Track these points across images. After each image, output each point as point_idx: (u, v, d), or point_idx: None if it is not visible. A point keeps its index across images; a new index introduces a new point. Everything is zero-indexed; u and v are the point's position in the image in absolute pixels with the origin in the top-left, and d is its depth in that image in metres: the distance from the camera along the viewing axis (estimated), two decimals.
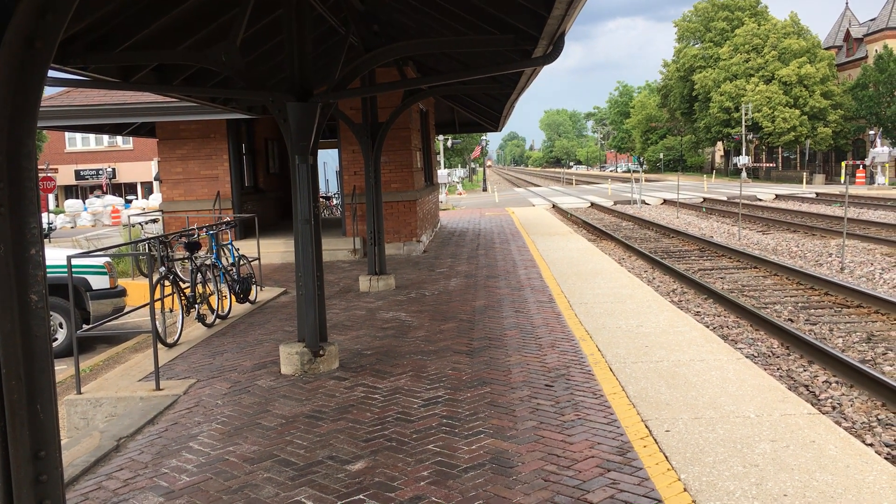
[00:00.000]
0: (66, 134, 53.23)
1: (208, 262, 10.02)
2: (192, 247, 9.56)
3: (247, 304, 11.03)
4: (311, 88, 7.38)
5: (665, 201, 39.21)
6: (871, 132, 55.73)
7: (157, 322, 7.39)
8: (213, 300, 9.86)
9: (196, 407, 6.37)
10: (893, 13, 61.29)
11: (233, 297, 10.65)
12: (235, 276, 10.81)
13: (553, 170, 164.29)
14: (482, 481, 4.56)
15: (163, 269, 8.69)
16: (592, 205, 39.08)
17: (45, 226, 29.27)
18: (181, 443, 5.51)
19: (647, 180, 68.03)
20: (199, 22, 8.27)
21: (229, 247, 11.32)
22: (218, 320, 9.92)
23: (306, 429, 5.66)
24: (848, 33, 68.71)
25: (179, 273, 10.40)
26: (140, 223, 19.31)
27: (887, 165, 48.53)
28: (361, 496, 4.44)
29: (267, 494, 4.51)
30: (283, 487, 4.60)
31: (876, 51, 59.62)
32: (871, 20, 65.86)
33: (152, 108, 15.13)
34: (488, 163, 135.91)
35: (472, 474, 4.68)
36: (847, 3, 72.54)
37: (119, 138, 52.01)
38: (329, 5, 9.73)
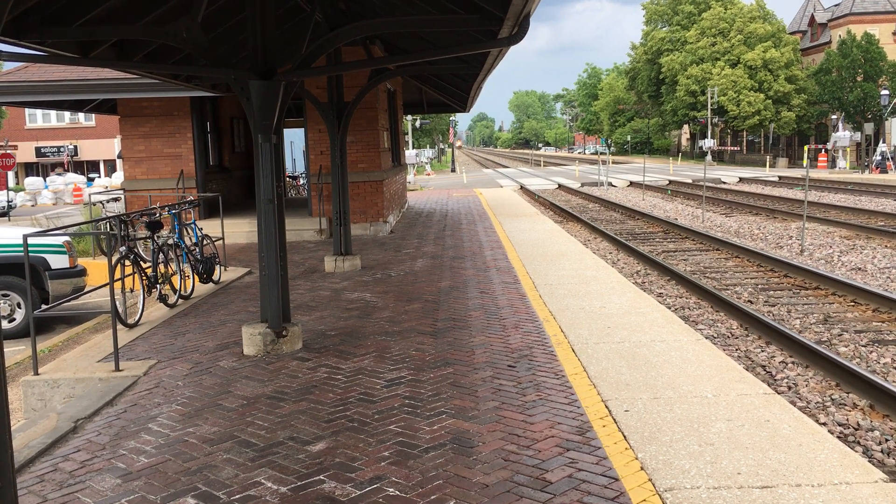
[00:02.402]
0: (27, 110, 52.08)
1: (170, 241, 9.89)
2: (154, 226, 9.43)
3: (210, 285, 10.93)
4: (275, 66, 7.28)
5: (631, 183, 39.50)
6: (834, 117, 56.54)
7: (117, 302, 7.29)
8: (176, 280, 9.75)
9: (156, 388, 6.31)
10: None
11: (196, 278, 10.54)
12: (198, 256, 10.69)
13: (522, 151, 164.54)
14: (443, 461, 4.59)
15: (123, 248, 8.56)
16: (560, 186, 39.25)
17: (4, 204, 28.69)
18: (140, 424, 5.47)
19: (614, 162, 68.49)
20: None
21: (192, 226, 11.19)
22: (180, 301, 9.82)
23: (268, 410, 5.64)
24: (812, 18, 69.50)
25: (141, 252, 10.27)
26: (101, 202, 18.99)
27: (848, 150, 49.38)
28: (321, 476, 4.44)
29: (226, 475, 4.50)
30: (242, 468, 4.59)
31: (840, 36, 60.40)
32: (836, 5, 66.66)
33: (114, 85, 14.84)
34: (457, 143, 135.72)
35: (432, 454, 4.70)
36: None
37: (81, 115, 51.03)
38: None
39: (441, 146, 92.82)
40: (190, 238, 10.95)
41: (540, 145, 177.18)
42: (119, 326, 7.40)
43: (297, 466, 4.59)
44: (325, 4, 10.42)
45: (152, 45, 9.18)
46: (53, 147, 54.65)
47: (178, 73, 11.15)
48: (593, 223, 21.09)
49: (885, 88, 48.89)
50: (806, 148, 22.93)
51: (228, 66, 7.40)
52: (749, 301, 11.05)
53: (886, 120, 47.20)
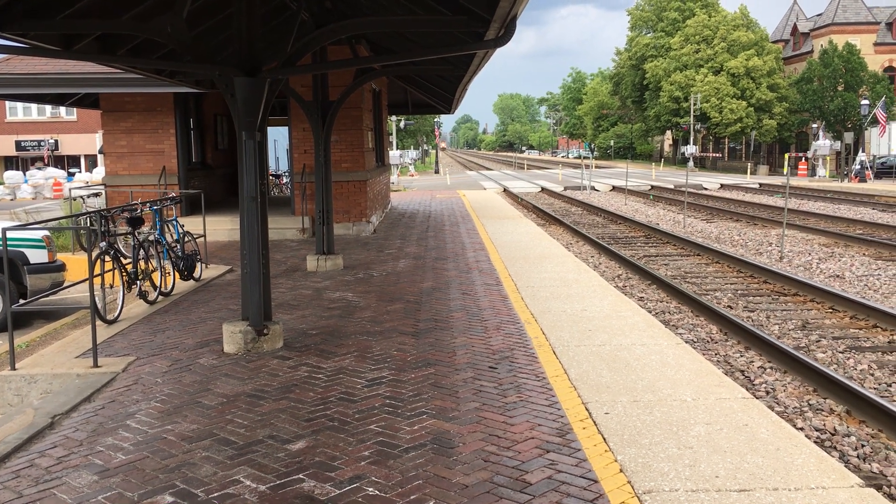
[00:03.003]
0: (7, 103, 51.48)
1: (151, 237, 9.82)
2: (135, 222, 9.35)
3: (191, 282, 10.86)
4: (260, 63, 7.26)
5: (614, 188, 39.68)
6: (815, 125, 57.08)
7: (96, 298, 7.23)
8: (156, 277, 9.68)
9: (135, 385, 6.26)
10: (839, 9, 62.75)
11: (176, 274, 10.47)
12: (179, 253, 10.62)
13: (505, 154, 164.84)
14: (423, 461, 4.59)
15: (103, 244, 8.48)
16: (543, 190, 39.36)
17: None
18: (118, 421, 5.42)
19: (597, 167, 68.76)
20: None
21: (174, 223, 11.11)
22: (160, 297, 9.75)
23: (247, 408, 5.61)
24: (795, 27, 70.14)
25: (122, 248, 10.18)
26: (82, 197, 18.83)
27: (828, 158, 49.87)
28: (301, 475, 4.42)
29: (205, 473, 4.47)
30: (221, 466, 4.56)
31: (821, 46, 60.99)
32: (818, 15, 67.34)
33: (96, 79, 14.72)
34: (441, 145, 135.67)
35: (413, 454, 4.70)
36: None
37: (62, 109, 50.51)
38: None
39: (425, 147, 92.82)
40: (171, 235, 10.88)
41: (524, 148, 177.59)
42: (98, 322, 7.34)
43: (277, 465, 4.57)
44: (312, 3, 10.40)
45: (136, 39, 9.12)
46: (34, 141, 54.03)
47: (161, 68, 11.09)
48: (576, 227, 21.16)
49: (865, 98, 49.43)
50: (787, 156, 23.20)
51: (213, 63, 7.36)
52: (729, 306, 11.13)
53: (866, 129, 47.72)
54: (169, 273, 10.20)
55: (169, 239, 10.60)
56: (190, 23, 7.66)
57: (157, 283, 9.67)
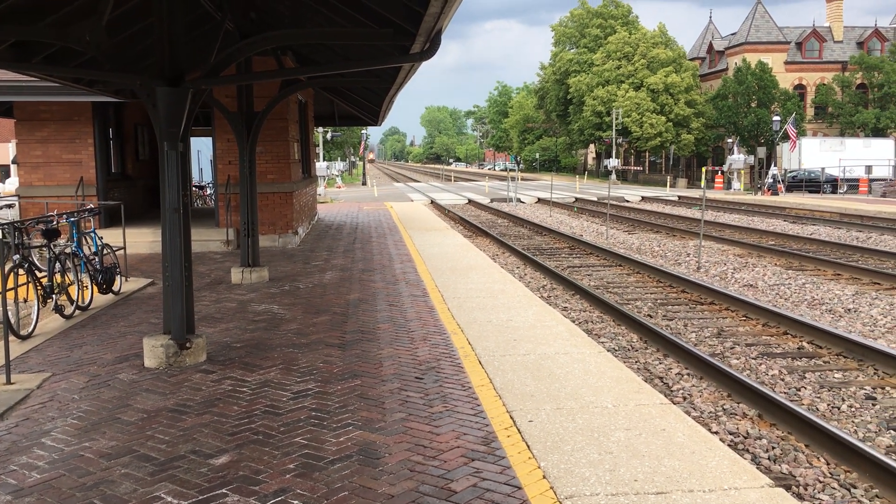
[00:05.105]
0: None
1: (68, 250, 9.54)
2: (51, 234, 9.07)
3: (110, 295, 10.57)
4: (183, 73, 7.16)
5: (539, 200, 40.31)
6: (730, 140, 59.26)
7: (9, 313, 6.98)
8: (73, 290, 9.40)
9: (50, 401, 6.07)
10: (752, 28, 65.41)
11: (94, 288, 10.18)
12: (98, 266, 10.34)
13: (433, 166, 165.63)
14: (349, 473, 4.59)
15: (17, 256, 8.20)
16: (470, 202, 39.69)
17: None
18: (33, 439, 5.25)
19: (523, 179, 69.75)
20: None
21: (92, 235, 10.82)
22: (78, 311, 9.47)
23: (169, 423, 5.51)
24: (711, 46, 72.76)
25: (36, 262, 9.85)
26: None
27: (743, 172, 51.79)
28: (224, 490, 4.37)
29: (124, 490, 4.37)
30: (141, 483, 4.47)
31: (736, 63, 63.43)
32: (732, 34, 70.02)
33: (10, 87, 14.24)
34: (370, 157, 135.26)
35: (338, 466, 4.70)
36: (711, 18, 76.91)
37: None
38: None
39: (353, 159, 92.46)
40: (89, 247, 10.58)
41: (451, 161, 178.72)
42: (11, 338, 7.08)
43: (199, 480, 4.51)
44: (237, 13, 10.31)
45: (53, 46, 8.87)
46: None
47: (80, 76, 10.81)
48: (502, 238, 21.42)
49: (776, 115, 51.60)
50: (704, 169, 24.08)
51: (134, 72, 7.23)
52: (649, 315, 11.46)
53: (778, 145, 49.77)
54: (86, 286, 9.92)
55: (87, 251, 10.31)
56: (111, 30, 7.50)
57: (74, 297, 9.39)
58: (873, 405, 7.41)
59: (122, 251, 11.68)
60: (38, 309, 8.54)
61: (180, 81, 7.06)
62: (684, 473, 4.56)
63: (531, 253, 18.42)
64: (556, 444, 5.01)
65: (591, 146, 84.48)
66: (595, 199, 39.66)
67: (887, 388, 7.89)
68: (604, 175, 75.98)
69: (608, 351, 8.53)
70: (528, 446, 4.99)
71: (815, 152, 50.08)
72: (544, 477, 4.52)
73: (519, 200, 39.64)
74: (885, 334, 10.34)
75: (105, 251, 10.65)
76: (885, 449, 6.31)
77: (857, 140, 53.05)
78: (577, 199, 39.88)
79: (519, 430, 5.29)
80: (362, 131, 67.71)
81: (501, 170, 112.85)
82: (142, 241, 15.38)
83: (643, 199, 42.44)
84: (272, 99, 11.77)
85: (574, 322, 10.68)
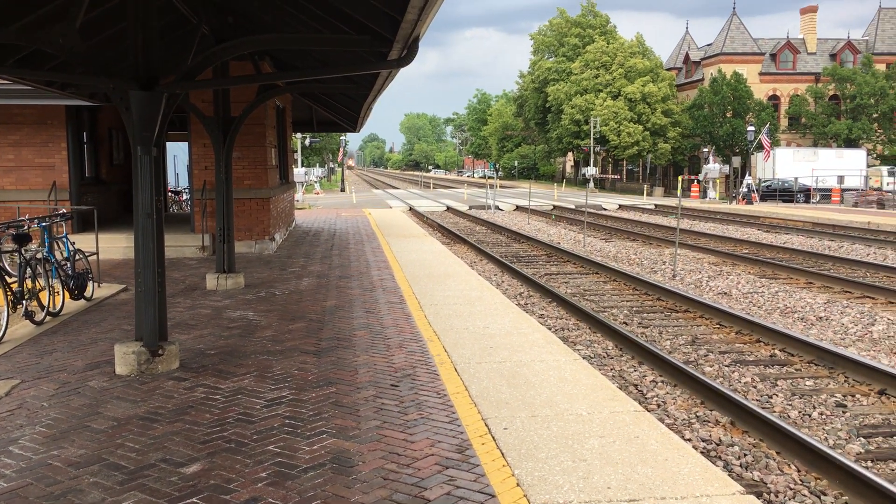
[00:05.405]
0: None
1: (39, 255, 9.41)
2: (22, 239, 8.95)
3: (82, 301, 10.44)
4: (158, 77, 7.10)
5: (518, 208, 40.42)
6: (706, 150, 59.87)
7: None
8: (44, 296, 9.27)
9: (19, 409, 5.97)
10: (727, 39, 66.18)
11: (66, 294, 10.05)
12: (70, 272, 10.21)
13: (412, 173, 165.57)
14: (321, 481, 4.56)
15: None
16: (448, 209, 39.72)
17: None
18: (0, 447, 5.16)
19: (501, 187, 69.95)
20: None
21: (64, 240, 10.69)
22: (49, 318, 9.34)
23: (140, 431, 5.44)
24: (687, 56, 73.52)
25: (6, 266, 9.72)
26: None
27: (718, 181, 52.29)
28: (194, 499, 4.32)
29: (92, 499, 4.31)
30: (110, 492, 4.41)
31: (711, 74, 64.11)
32: (708, 45, 70.83)
33: None
34: (349, 163, 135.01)
35: (311, 474, 4.66)
36: (687, 28, 77.80)
37: None
38: None
39: (331, 165, 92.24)
40: (61, 252, 10.46)
41: (430, 168, 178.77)
42: None
43: (169, 489, 4.45)
44: (213, 17, 10.25)
45: (26, 49, 8.77)
46: None
47: (53, 80, 10.70)
48: (479, 245, 21.45)
49: (751, 125, 52.20)
50: (680, 178, 24.35)
51: (108, 75, 7.15)
52: (624, 323, 11.52)
53: (752, 154, 50.34)
54: (58, 292, 9.79)
55: (58, 256, 10.18)
56: (85, 34, 7.43)
57: (45, 303, 9.26)
58: (844, 412, 7.49)
59: (94, 256, 11.55)
60: (8, 315, 8.41)
61: (154, 85, 7.00)
62: (657, 481, 4.58)
63: (509, 260, 18.46)
64: (530, 452, 5.01)
65: (570, 154, 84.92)
66: (573, 206, 39.84)
67: (857, 396, 7.99)
68: (582, 183, 76.37)
69: (584, 358, 8.55)
70: (503, 454, 4.98)
71: (789, 162, 50.76)
72: (518, 485, 4.51)
73: (497, 208, 39.73)
74: (855, 342, 10.47)
75: (77, 256, 10.53)
76: (855, 456, 6.37)
77: (830, 151, 53.80)
78: (554, 207, 40.04)
79: (494, 437, 5.28)
80: (341, 137, 67.56)
81: (480, 177, 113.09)
82: (115, 246, 15.22)
83: (620, 207, 42.70)
84: (249, 104, 11.71)
85: (550, 329, 10.70)
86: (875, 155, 60.03)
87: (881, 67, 61.41)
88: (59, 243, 10.55)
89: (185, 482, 4.55)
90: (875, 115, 59.76)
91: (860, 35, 69.98)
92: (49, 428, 5.53)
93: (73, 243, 10.71)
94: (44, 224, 9.94)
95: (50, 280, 9.44)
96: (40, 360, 7.47)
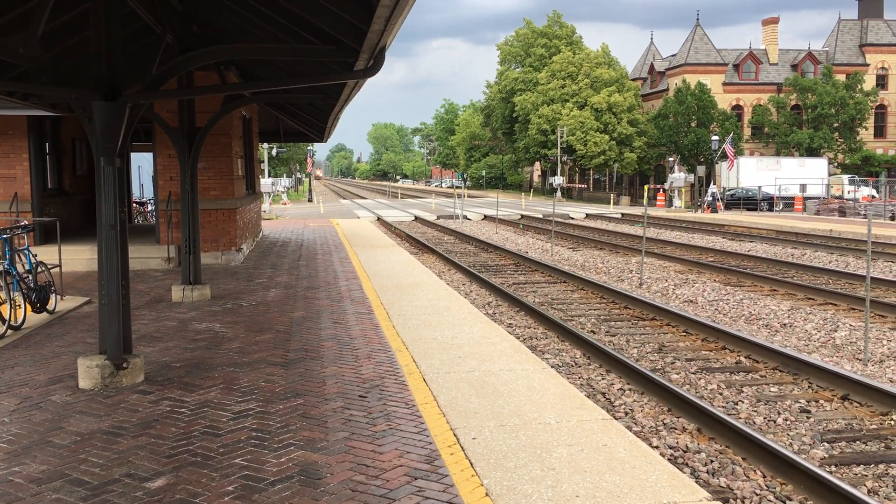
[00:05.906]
0: None
1: (0, 268, 9.23)
2: None
3: (44, 314, 10.26)
4: (121, 87, 7.02)
5: (486, 217, 40.55)
6: (671, 159, 60.61)
7: None
8: (5, 310, 9.09)
9: None
10: (692, 50, 67.14)
11: (28, 307, 9.87)
12: (31, 284, 10.03)
13: (380, 183, 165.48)
14: (289, 494, 4.52)
15: None
16: (416, 219, 39.71)
17: None
18: None
19: (469, 196, 70.10)
20: None
21: (25, 252, 10.50)
22: (10, 331, 9.16)
23: (104, 446, 5.35)
24: (652, 67, 74.44)
25: None
26: None
27: (683, 190, 52.92)
28: None
29: None
30: None
31: (676, 84, 64.97)
32: (673, 56, 71.77)
33: None
34: (317, 173, 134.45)
35: (279, 487, 4.62)
36: (652, 39, 78.79)
37: None
38: (143, 1, 9.30)
39: (298, 175, 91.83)
40: (23, 265, 10.27)
41: (398, 178, 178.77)
42: None
43: None
44: (177, 26, 10.17)
45: None
46: None
47: (14, 90, 10.52)
48: (448, 255, 21.46)
49: (715, 134, 52.95)
50: (646, 187, 24.52)
51: (70, 85, 7.05)
52: (592, 331, 11.59)
53: (717, 163, 51.05)
54: (19, 306, 9.61)
55: (20, 269, 10.00)
56: (46, 43, 7.34)
57: (6, 317, 9.09)
58: (808, 418, 7.60)
59: (57, 269, 11.36)
60: None
61: (117, 96, 6.92)
62: (625, 488, 4.61)
63: (477, 270, 18.49)
64: (499, 462, 5.01)
65: (537, 164, 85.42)
66: (541, 216, 40.06)
67: (821, 402, 8.11)
68: (549, 192, 76.81)
69: (552, 367, 8.60)
70: (472, 464, 4.98)
71: (753, 171, 51.59)
72: (487, 495, 4.51)
73: (465, 217, 39.82)
74: (819, 348, 10.64)
75: (39, 269, 10.35)
76: (819, 461, 6.47)
77: (793, 160, 54.81)
78: (522, 217, 40.22)
79: (462, 447, 5.28)
80: (308, 147, 67.31)
81: (448, 187, 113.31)
82: (79, 258, 14.99)
83: (587, 216, 43.03)
84: (214, 114, 11.62)
85: (519, 339, 10.74)
86: (836, 164, 61.23)
87: (841, 77, 62.66)
88: (21, 255, 10.37)
89: (151, 497, 4.48)
90: (836, 125, 60.94)
91: (821, 46, 71.43)
92: (10, 444, 5.42)
93: (35, 255, 10.53)
94: (5, 236, 9.76)
95: (11, 293, 9.27)
96: (1, 375, 7.32)
